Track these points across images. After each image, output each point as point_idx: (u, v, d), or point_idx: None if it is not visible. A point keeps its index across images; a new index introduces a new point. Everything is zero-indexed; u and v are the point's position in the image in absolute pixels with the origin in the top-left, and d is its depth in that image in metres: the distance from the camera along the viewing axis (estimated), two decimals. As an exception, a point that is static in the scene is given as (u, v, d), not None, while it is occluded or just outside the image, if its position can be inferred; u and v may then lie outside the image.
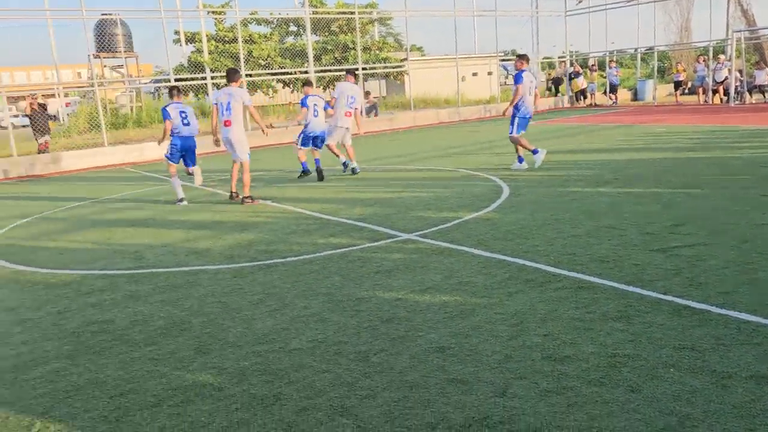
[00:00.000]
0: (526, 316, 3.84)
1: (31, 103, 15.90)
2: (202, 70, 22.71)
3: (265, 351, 3.62)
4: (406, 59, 24.53)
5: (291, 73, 24.78)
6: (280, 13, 28.34)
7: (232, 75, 8.58)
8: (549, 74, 29.84)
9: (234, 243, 6.31)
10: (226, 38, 25.12)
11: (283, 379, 3.25)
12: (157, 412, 3.00)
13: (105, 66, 24.26)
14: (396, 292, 4.46)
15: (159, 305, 4.56)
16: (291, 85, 27.03)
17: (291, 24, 29.63)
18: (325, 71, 23.48)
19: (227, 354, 3.62)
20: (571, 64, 26.48)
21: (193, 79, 21.72)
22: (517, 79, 9.52)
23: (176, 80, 18.61)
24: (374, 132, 20.27)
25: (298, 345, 3.67)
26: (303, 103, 10.26)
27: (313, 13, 23.05)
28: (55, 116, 24.55)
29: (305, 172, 10.44)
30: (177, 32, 25.41)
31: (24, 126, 24.54)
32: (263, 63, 24.60)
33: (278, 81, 26.05)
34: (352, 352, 3.52)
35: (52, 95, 21.90)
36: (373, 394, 3.01)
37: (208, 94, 23.62)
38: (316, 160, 10.33)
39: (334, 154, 10.72)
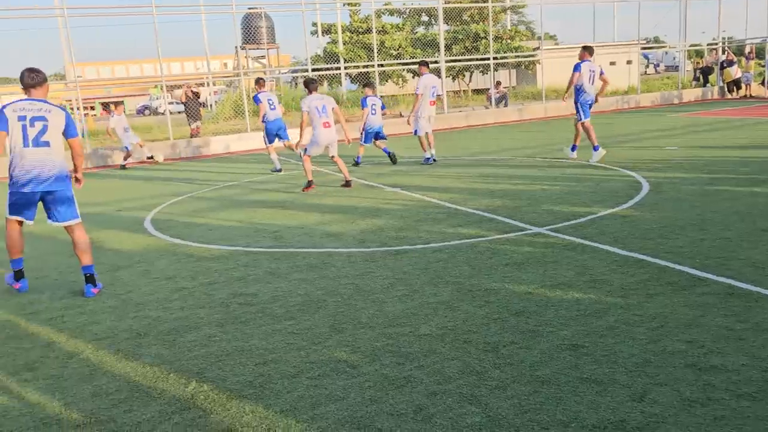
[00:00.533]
0: (668, 320, 3.66)
1: (186, 92, 17.30)
2: (337, 61, 23.49)
3: (396, 334, 3.74)
4: (538, 48, 23.82)
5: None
6: (413, 4, 28.58)
7: (314, 84, 9.16)
8: (697, 63, 27.69)
9: (365, 228, 6.52)
10: (360, 29, 25.77)
11: (413, 362, 3.35)
12: (297, 382, 3.21)
13: (248, 57, 25.79)
14: (526, 286, 4.41)
15: (297, 283, 4.84)
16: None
17: (423, 14, 29.79)
18: (455, 61, 23.39)
19: (360, 334, 3.77)
20: (724, 52, 24.38)
21: (327, 69, 22.53)
22: (576, 67, 10.03)
23: (312, 70, 19.40)
24: (504, 123, 19.95)
25: (428, 331, 3.75)
26: (363, 104, 11.36)
27: (446, 3, 23.01)
28: (204, 103, 26.52)
29: (357, 164, 11.56)
30: (315, 24, 26.46)
31: (179, 112, 26.77)
32: (394, 53, 24.99)
33: (408, 71, 26.32)
34: (481, 342, 3.54)
35: (202, 84, 23.59)
36: (503, 386, 3.02)
37: (341, 84, 24.42)
38: (385, 149, 11.54)
39: (428, 143, 11.34)
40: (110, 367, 3.56)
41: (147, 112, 52.47)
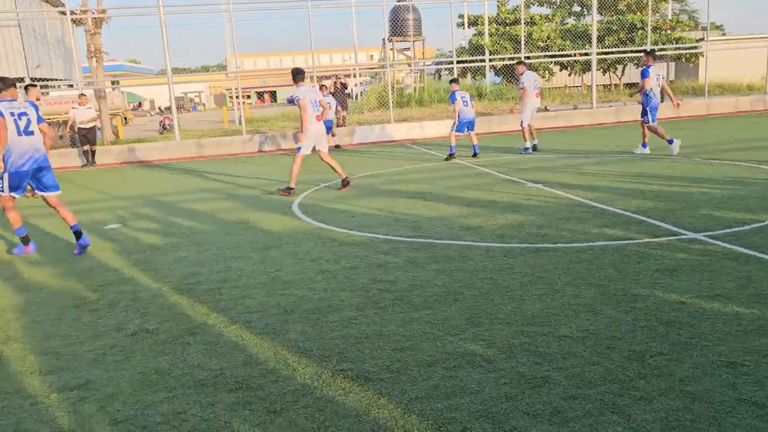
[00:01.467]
0: None
1: (335, 83, 18.02)
2: (482, 53, 23.23)
3: (534, 332, 3.66)
4: (702, 39, 21.94)
5: (570, 56, 23.99)
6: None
7: (302, 75, 8.96)
8: None
9: (505, 223, 6.42)
10: (507, 21, 25.26)
11: (551, 363, 3.26)
12: (432, 371, 3.26)
13: (393, 49, 26.24)
14: (678, 295, 4.12)
15: (435, 273, 4.89)
16: (569, 68, 26.18)
17: (575, 4, 28.56)
18: (607, 53, 22.21)
19: (497, 329, 3.74)
20: None
21: (472, 61, 22.35)
22: (645, 73, 10.86)
23: (457, 62, 19.35)
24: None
25: (568, 332, 3.64)
26: (453, 98, 12.19)
27: (602, -9, 21.87)
28: (350, 94, 27.41)
29: (452, 155, 12.12)
30: (461, 16, 26.33)
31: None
32: (542, 45, 24.23)
33: (555, 63, 25.41)
34: (626, 349, 3.37)
35: (349, 75, 24.44)
36: (648, 397, 2.86)
37: (485, 77, 24.14)
38: (474, 147, 12.25)
39: (532, 134, 12.56)
40: (260, 339, 3.82)
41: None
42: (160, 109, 54.37)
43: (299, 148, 9.16)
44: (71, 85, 21.59)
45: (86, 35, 17.71)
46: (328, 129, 14.80)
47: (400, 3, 22.89)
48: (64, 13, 16.59)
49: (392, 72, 20.69)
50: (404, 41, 25.76)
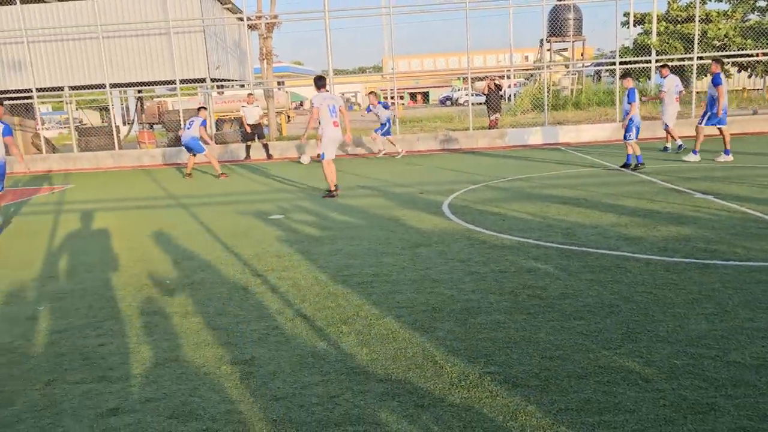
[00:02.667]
0: None
1: (489, 84, 17.88)
2: (647, 53, 21.81)
3: (699, 355, 3.40)
4: None
5: (751, 56, 21.75)
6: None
7: (323, 82, 9.51)
8: None
9: (668, 235, 6.00)
10: (679, 18, 23.47)
11: (719, 389, 3.01)
12: (584, 383, 3.14)
13: (550, 50, 25.47)
14: None
15: (588, 283, 4.70)
16: (749, 70, 23.75)
17: (761, -2, 25.80)
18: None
19: (657, 347, 3.52)
20: None
21: (636, 62, 21.07)
22: (719, 81, 11.02)
23: (620, 63, 18.35)
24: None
25: (740, 358, 3.33)
26: (632, 98, 10.67)
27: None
28: (503, 96, 27.03)
29: (640, 164, 10.71)
30: (626, 14, 24.90)
31: (479, 104, 27.82)
32: (717, 44, 22.20)
33: (733, 64, 23.17)
34: (810, 383, 3.02)
35: (502, 77, 24.10)
36: (837, 440, 2.55)
37: (650, 78, 22.63)
38: (634, 156, 10.90)
39: (673, 137, 12.89)
40: (409, 334, 3.92)
41: (448, 102, 55.46)
42: (319, 108, 57.28)
43: (322, 155, 9.56)
44: (242, 85, 23.46)
45: (259, 39, 19.16)
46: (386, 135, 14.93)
47: (561, 2, 22.15)
48: (241, 19, 18.09)
49: (548, 73, 20.09)
50: (563, 41, 24.92)
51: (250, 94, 16.38)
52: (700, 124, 11.39)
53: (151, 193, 11.51)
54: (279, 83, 35.33)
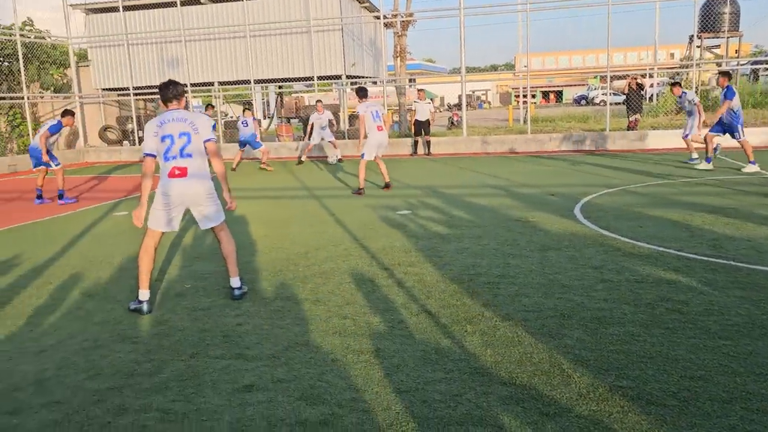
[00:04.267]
0: None
1: (630, 83, 16.94)
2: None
3: None
4: None
5: None
6: None
7: (364, 92, 10.28)
8: None
9: (836, 254, 5.36)
10: None
11: None
12: (729, 409, 2.90)
13: (700, 47, 23.61)
14: None
15: (737, 300, 4.32)
16: None
17: None
18: None
19: (818, 377, 3.16)
20: None
21: (804, 59, 18.94)
22: (732, 94, 10.91)
23: (784, 61, 16.62)
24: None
25: None
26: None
27: None
28: (644, 96, 25.49)
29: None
30: (794, 6, 22.48)
31: (616, 104, 26.44)
32: None
33: None
34: None
35: (644, 75, 22.72)
36: None
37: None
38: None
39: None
40: (535, 339, 3.82)
41: (583, 102, 53.32)
42: (448, 105, 57.28)
43: (363, 155, 10.16)
44: (375, 82, 23.98)
45: (394, 37, 19.47)
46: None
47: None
48: (378, 17, 18.47)
49: (697, 72, 18.66)
50: (715, 38, 23.01)
51: (420, 90, 16.82)
52: (741, 138, 11.09)
53: (287, 184, 12.10)
54: (410, 80, 35.73)
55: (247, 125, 14.74)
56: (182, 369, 3.61)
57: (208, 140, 4.63)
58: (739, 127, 11.02)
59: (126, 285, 5.41)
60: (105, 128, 20.68)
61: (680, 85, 13.03)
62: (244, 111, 15.32)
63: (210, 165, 4.74)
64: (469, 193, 9.75)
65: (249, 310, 4.58)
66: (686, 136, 12.53)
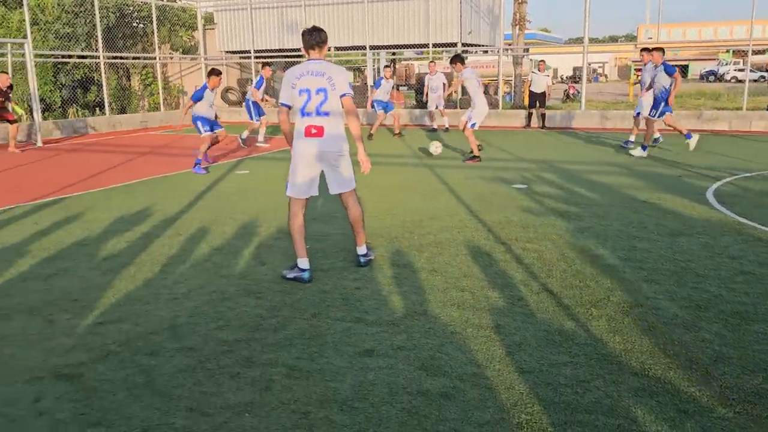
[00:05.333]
0: None
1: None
2: None
3: None
4: None
5: None
6: None
7: (461, 59, 10.27)
8: None
9: None
10: None
11: None
12: None
13: None
14: None
15: None
16: None
17: None
18: None
19: None
20: None
21: None
22: (672, 70, 10.46)
23: None
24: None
25: None
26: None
27: None
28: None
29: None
30: None
31: (754, 81, 24.23)
32: None
33: None
34: None
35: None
36: None
37: None
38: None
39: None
40: (668, 329, 3.57)
41: (711, 78, 49.41)
42: (562, 77, 54.96)
43: (473, 124, 10.18)
44: (485, 51, 23.33)
45: (514, 4, 18.77)
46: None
47: None
48: (497, -17, 17.89)
49: None
50: None
51: (541, 61, 16.34)
52: (654, 117, 10.70)
53: (398, 151, 12.10)
54: (525, 50, 34.56)
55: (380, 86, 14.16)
56: (305, 327, 3.70)
57: (344, 95, 4.41)
58: (662, 104, 10.57)
59: (249, 241, 5.63)
60: (227, 89, 21.57)
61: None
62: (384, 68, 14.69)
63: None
64: (588, 170, 9.30)
65: (367, 275, 4.62)
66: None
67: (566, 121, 16.45)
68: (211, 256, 5.19)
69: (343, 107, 4.46)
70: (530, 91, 16.14)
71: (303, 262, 4.51)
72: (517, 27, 18.59)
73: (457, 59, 10.20)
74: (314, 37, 4.42)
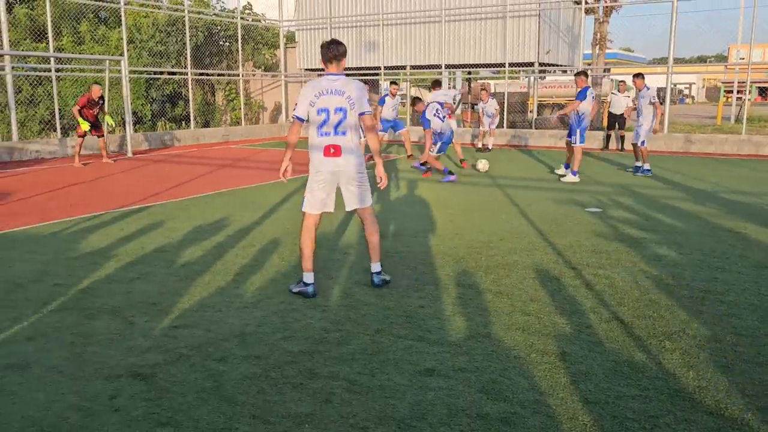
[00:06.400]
0: None
1: None
2: None
3: None
4: None
5: None
6: None
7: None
8: None
9: None
10: None
11: None
12: None
13: None
14: None
15: None
16: None
17: None
18: None
19: None
20: None
21: None
22: (581, 95, 10.49)
23: None
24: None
25: None
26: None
27: None
28: None
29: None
30: None
31: None
32: None
33: None
34: None
35: None
36: None
37: None
38: None
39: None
40: (747, 366, 3.38)
41: (811, 101, 46.45)
42: (645, 98, 53.12)
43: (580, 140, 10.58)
44: (564, 71, 22.92)
45: (595, 23, 18.39)
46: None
47: None
48: (578, 2, 17.57)
49: None
50: None
51: (621, 81, 16.09)
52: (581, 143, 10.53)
53: (468, 170, 12.03)
54: (605, 70, 33.77)
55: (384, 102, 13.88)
56: (367, 343, 3.74)
57: (363, 113, 4.48)
58: (579, 131, 10.50)
59: (318, 255, 5.73)
60: (303, 106, 22.16)
61: (642, 76, 11.23)
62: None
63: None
64: (668, 195, 8.95)
65: (432, 294, 4.62)
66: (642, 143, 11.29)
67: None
68: (281, 268, 5.34)
69: (362, 124, 4.54)
70: (609, 113, 15.75)
71: (308, 277, 4.60)
72: (598, 46, 18.18)
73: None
74: (332, 51, 4.45)
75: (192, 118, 18.67)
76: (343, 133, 4.46)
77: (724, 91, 42.89)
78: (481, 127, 16.12)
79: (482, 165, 11.58)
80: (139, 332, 3.93)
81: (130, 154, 14.74)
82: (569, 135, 10.82)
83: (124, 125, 15.32)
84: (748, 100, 31.67)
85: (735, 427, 2.79)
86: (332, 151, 4.46)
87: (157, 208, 8.15)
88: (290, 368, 3.41)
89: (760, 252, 5.77)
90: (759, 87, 58.72)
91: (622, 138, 15.71)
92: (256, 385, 3.21)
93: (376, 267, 4.78)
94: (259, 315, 4.23)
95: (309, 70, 22.28)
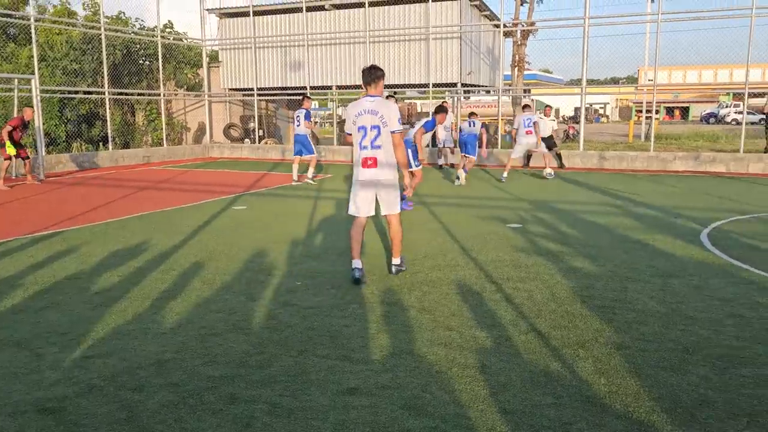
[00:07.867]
0: None
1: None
2: None
3: None
4: None
5: None
6: None
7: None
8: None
9: None
10: None
11: None
12: None
13: None
14: None
15: None
16: None
17: None
18: None
19: None
20: None
21: None
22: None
23: None
24: None
25: None
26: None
27: None
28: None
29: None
30: None
31: (752, 123, 24.50)
32: None
33: None
34: None
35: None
36: None
37: None
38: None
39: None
40: (653, 371, 3.56)
41: (712, 120, 49.89)
42: (563, 117, 55.56)
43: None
44: (488, 92, 23.69)
45: (513, 46, 19.14)
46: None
47: None
48: (498, 26, 18.24)
49: None
50: None
51: (547, 106, 16.67)
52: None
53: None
54: (525, 91, 35.05)
55: (299, 124, 12.40)
56: (290, 365, 3.70)
57: (394, 131, 5.22)
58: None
59: (241, 277, 5.65)
60: (229, 126, 21.85)
61: (529, 106, 13.64)
62: (303, 99, 12.66)
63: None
64: (583, 210, 9.36)
65: (356, 313, 4.63)
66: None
67: (564, 161, 16.56)
68: (202, 292, 5.21)
69: (393, 141, 5.27)
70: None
71: (356, 263, 5.38)
72: (516, 68, 18.91)
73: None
74: (371, 75, 5.22)
75: (110, 139, 18.02)
76: (379, 147, 5.25)
77: (635, 110, 45.50)
78: (439, 145, 16.66)
79: (461, 180, 12.71)
80: (47, 364, 3.73)
81: (42, 177, 14.05)
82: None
83: (36, 147, 14.60)
84: (656, 119, 33.65)
85: (642, 429, 2.93)
86: (369, 162, 5.28)
87: (72, 233, 7.79)
88: (210, 394, 3.32)
89: (666, 262, 6.11)
90: (666, 107, 62.59)
91: (559, 156, 16.21)
92: (173, 413, 3.11)
93: (396, 260, 5.62)
94: (179, 341, 4.10)
95: (233, 89, 22.00)
